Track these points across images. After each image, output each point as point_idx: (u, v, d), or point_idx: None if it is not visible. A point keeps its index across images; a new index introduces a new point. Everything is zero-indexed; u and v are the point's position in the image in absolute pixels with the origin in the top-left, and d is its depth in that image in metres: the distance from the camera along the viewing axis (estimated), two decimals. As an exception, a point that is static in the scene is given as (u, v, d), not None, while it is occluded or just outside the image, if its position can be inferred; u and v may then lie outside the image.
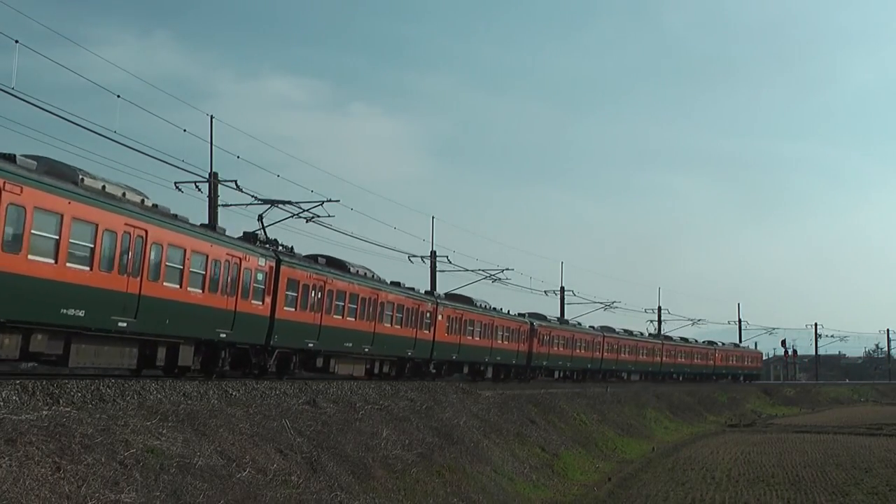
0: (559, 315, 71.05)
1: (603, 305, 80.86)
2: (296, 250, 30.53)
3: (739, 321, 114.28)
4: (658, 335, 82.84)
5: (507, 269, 59.71)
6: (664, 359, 79.50)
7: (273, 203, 34.14)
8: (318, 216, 36.19)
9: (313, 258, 32.11)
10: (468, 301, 46.76)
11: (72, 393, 16.26)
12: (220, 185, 34.04)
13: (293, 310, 28.27)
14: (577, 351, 61.22)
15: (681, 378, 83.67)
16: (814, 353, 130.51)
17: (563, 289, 76.08)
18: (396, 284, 37.56)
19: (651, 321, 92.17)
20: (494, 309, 49.85)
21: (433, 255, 54.26)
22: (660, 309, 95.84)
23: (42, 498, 11.47)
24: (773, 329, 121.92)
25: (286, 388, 23.56)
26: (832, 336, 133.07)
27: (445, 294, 44.70)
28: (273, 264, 27.23)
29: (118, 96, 26.08)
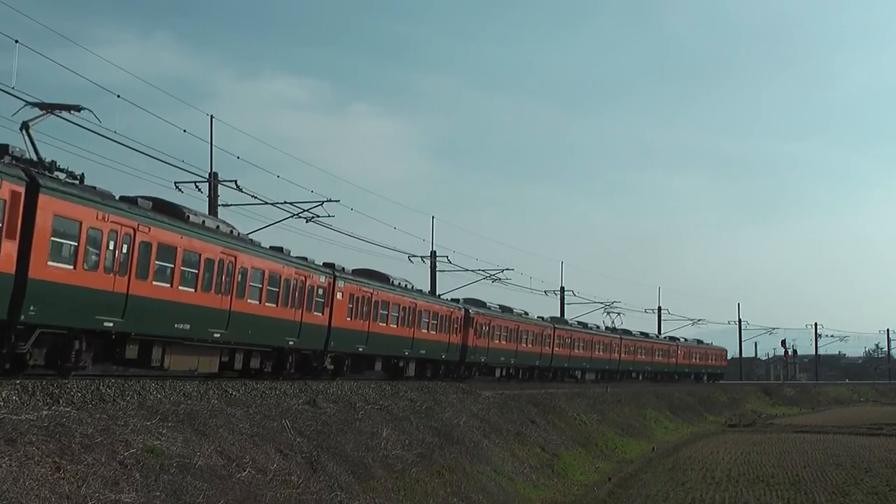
0: (562, 315, 70.93)
1: (603, 305, 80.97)
2: (295, 251, 30.46)
3: (739, 321, 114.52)
4: (615, 329, 72.98)
5: (507, 269, 59.71)
6: (623, 355, 71.07)
7: (273, 204, 34.21)
8: (318, 216, 36.25)
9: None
10: (383, 279, 37.75)
11: (72, 393, 16.26)
12: (220, 185, 34.08)
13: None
14: (524, 345, 52.26)
15: (640, 377, 76.61)
16: (814, 353, 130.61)
17: (563, 289, 76.19)
18: (278, 250, 28.96)
19: (608, 312, 79.79)
20: (419, 291, 42.38)
21: (433, 255, 54.30)
22: (660, 309, 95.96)
23: (42, 498, 11.47)
24: (773, 329, 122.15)
25: (286, 388, 23.57)
26: (832, 336, 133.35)
27: (353, 270, 34.94)
28: (331, 280, 31.59)
29: (118, 96, 26.09)
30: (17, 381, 15.99)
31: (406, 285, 39.08)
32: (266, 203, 35.10)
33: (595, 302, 79.17)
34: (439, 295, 47.06)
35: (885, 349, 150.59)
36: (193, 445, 15.66)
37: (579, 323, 66.61)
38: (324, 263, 31.90)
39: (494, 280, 58.85)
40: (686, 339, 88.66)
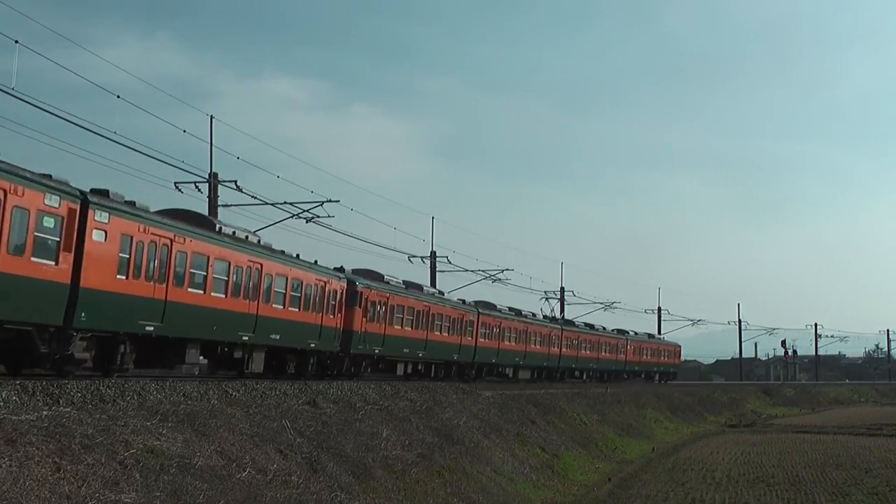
0: (562, 316, 70.43)
1: (603, 306, 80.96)
2: (294, 251, 30.41)
3: (739, 321, 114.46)
4: (555, 318, 61.86)
5: (507, 270, 59.59)
6: (564, 349, 59.06)
7: (273, 204, 34.22)
8: (318, 216, 36.27)
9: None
10: (377, 277, 36.50)
11: (72, 393, 16.26)
12: (220, 186, 34.08)
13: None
14: (436, 333, 40.67)
15: (584, 377, 65.54)
16: (814, 353, 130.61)
17: (562, 289, 76.20)
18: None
19: (547, 298, 68.61)
20: (434, 293, 42.49)
21: (433, 255, 54.34)
22: (660, 309, 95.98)
23: (42, 498, 11.47)
24: (774, 329, 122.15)
25: (286, 389, 23.56)
26: (832, 336, 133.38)
27: (353, 271, 34.32)
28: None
29: (118, 96, 26.10)
30: (17, 382, 16.00)
31: (240, 234, 34.60)
32: (266, 203, 35.15)
33: (595, 302, 79.24)
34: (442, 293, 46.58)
35: (885, 349, 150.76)
36: (193, 446, 15.66)
37: (511, 309, 53.50)
38: (339, 268, 33.72)
39: (494, 280, 58.90)
40: (636, 333, 77.73)
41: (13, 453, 12.04)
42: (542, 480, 29.40)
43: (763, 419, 67.38)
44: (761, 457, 37.89)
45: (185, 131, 30.18)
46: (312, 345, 30.41)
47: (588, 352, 63.93)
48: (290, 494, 16.18)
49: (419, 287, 42.02)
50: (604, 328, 69.73)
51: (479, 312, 46.26)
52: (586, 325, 66.99)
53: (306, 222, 36.51)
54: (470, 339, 44.94)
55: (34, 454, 12.33)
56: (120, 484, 12.90)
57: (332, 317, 31.30)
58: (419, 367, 40.75)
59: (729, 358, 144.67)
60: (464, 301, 46.48)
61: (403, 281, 39.84)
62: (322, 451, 19.36)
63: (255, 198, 34.39)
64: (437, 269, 54.60)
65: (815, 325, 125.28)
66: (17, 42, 21.96)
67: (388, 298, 35.98)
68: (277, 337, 27.92)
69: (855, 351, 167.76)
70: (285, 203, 35.62)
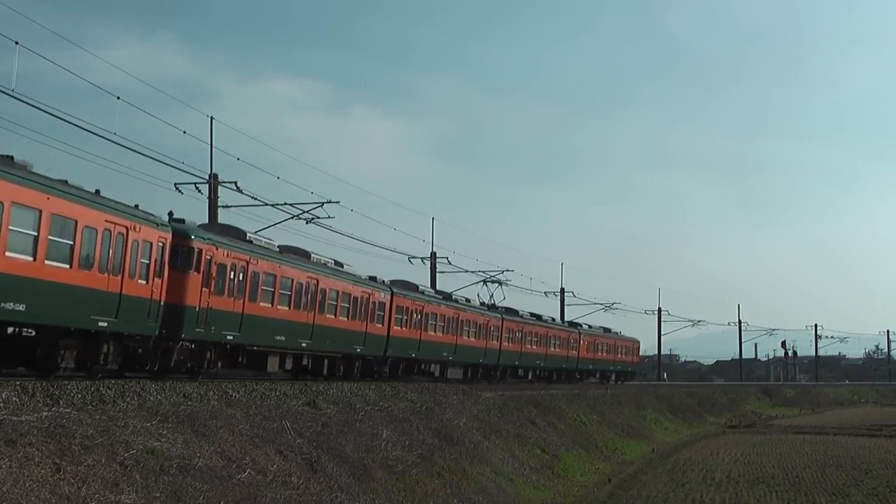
0: (562, 318, 70.07)
1: (603, 307, 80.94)
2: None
3: (739, 322, 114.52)
4: (494, 306, 51.92)
5: (507, 271, 59.40)
6: (505, 343, 49.63)
7: (273, 205, 34.21)
8: (318, 217, 36.24)
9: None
10: (412, 287, 37.07)
11: (72, 394, 16.26)
12: (220, 187, 34.08)
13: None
14: (330, 317, 31.43)
15: (530, 376, 55.41)
16: (814, 354, 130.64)
17: (563, 290, 76.17)
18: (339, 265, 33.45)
19: (484, 282, 56.66)
20: (464, 300, 43.22)
21: (433, 256, 54.35)
22: (660, 310, 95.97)
23: (42, 499, 11.47)
24: (774, 330, 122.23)
25: (286, 389, 23.57)
26: (832, 337, 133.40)
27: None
28: (389, 296, 35.97)
29: (118, 97, 26.10)
30: (17, 382, 16.00)
31: (318, 258, 31.53)
32: (266, 204, 35.12)
33: (595, 303, 79.21)
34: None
35: (886, 350, 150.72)
36: (193, 446, 15.66)
37: (438, 292, 44.92)
38: (378, 279, 36.40)
39: (494, 281, 58.84)
40: (590, 326, 68.00)
41: (13, 454, 12.04)
42: (541, 481, 29.40)
43: (763, 420, 67.35)
44: (761, 457, 37.89)
45: (185, 132, 30.20)
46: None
47: (534, 346, 53.94)
48: (290, 495, 16.18)
49: (305, 254, 31.20)
50: (553, 319, 60.99)
51: (393, 293, 37.10)
52: (532, 315, 55.55)
53: (306, 223, 36.50)
54: (381, 326, 35.63)
55: (34, 455, 12.33)
56: (120, 485, 12.90)
57: (146, 284, 21.34)
58: (304, 362, 30.67)
59: (729, 359, 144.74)
60: (374, 278, 36.79)
61: (278, 246, 29.46)
62: (322, 451, 19.36)
63: (256, 199, 34.39)
64: (437, 270, 54.63)
65: (815, 325, 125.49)
66: (17, 43, 21.96)
67: (248, 264, 26.08)
68: None
69: (855, 352, 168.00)
70: (285, 204, 35.61)
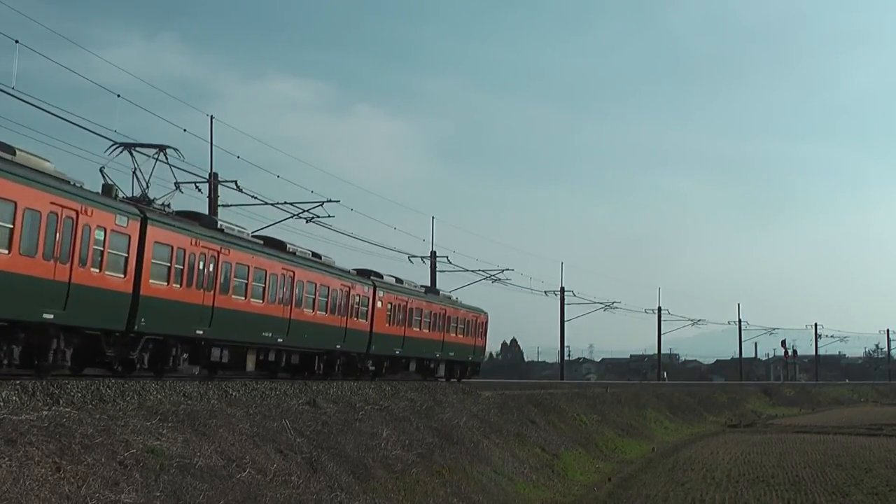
0: (562, 319, 69.42)
1: (603, 306, 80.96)
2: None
3: (739, 321, 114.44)
4: (286, 249, 28.56)
5: (508, 270, 59.30)
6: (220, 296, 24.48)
7: (273, 204, 34.14)
8: (318, 216, 36.18)
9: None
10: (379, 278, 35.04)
11: (72, 393, 16.24)
12: (220, 186, 34.04)
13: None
14: (308, 311, 28.33)
15: (318, 367, 30.88)
16: (814, 353, 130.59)
17: (563, 289, 76.13)
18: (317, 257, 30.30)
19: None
20: (448, 297, 43.08)
21: (433, 255, 54.30)
22: (660, 309, 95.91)
23: (42, 498, 11.47)
24: (774, 329, 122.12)
25: (286, 389, 23.56)
26: (832, 336, 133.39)
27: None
28: (372, 289, 33.35)
29: (118, 96, 26.05)
30: (17, 382, 15.98)
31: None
32: (266, 203, 35.05)
33: (595, 302, 79.20)
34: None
35: (886, 349, 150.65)
36: (193, 446, 15.66)
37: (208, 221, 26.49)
38: (361, 271, 33.64)
39: (494, 280, 58.84)
40: (398, 280, 37.81)
41: (13, 453, 12.04)
42: (542, 480, 29.40)
43: (763, 419, 67.37)
44: (761, 457, 37.89)
45: (185, 131, 30.14)
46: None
47: (308, 313, 29.09)
48: (290, 494, 16.17)
49: (280, 245, 28.32)
50: (323, 258, 31.28)
51: (375, 286, 33.75)
52: (314, 254, 30.73)
53: (306, 222, 36.38)
54: (364, 321, 32.88)
55: (34, 454, 12.32)
56: (120, 484, 12.90)
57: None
58: (273, 358, 27.54)
59: (729, 358, 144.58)
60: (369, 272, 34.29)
61: (257, 236, 27.98)
62: (322, 451, 19.35)
63: (256, 197, 34.29)
64: (438, 269, 54.59)
65: (815, 325, 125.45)
66: (17, 42, 21.91)
67: (217, 253, 23.67)
68: None
69: (855, 351, 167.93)
70: (285, 203, 35.52)
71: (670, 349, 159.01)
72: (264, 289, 26.23)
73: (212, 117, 33.39)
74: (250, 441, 17.59)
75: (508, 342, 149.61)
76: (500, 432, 31.41)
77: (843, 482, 30.06)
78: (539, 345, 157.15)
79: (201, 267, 22.93)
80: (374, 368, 35.02)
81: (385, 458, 21.29)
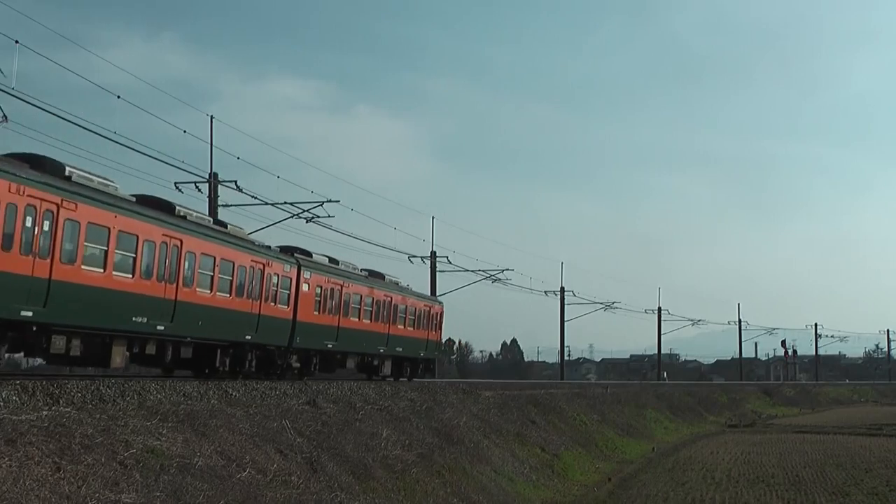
0: (562, 319, 69.73)
1: (603, 306, 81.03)
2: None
3: (739, 321, 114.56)
4: (175, 212, 22.81)
5: (507, 270, 59.32)
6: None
7: (273, 204, 34.16)
8: (318, 216, 36.22)
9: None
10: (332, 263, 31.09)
11: (72, 393, 16.25)
12: (220, 186, 34.10)
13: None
14: (204, 292, 23.56)
15: (222, 364, 25.62)
16: (814, 353, 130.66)
17: (563, 289, 76.18)
18: (223, 225, 25.18)
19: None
20: (396, 283, 36.51)
21: (433, 255, 54.37)
22: (660, 309, 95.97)
23: (42, 498, 11.46)
24: (774, 329, 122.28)
25: (286, 389, 23.57)
26: (832, 336, 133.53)
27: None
28: (296, 269, 28.40)
29: (118, 97, 26.08)
30: (17, 382, 15.99)
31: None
32: (266, 203, 35.11)
33: (595, 302, 79.27)
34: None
35: (885, 349, 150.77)
36: (193, 446, 15.66)
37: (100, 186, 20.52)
38: (284, 248, 28.08)
39: (494, 280, 58.90)
40: (334, 262, 32.37)
41: (13, 453, 12.04)
42: (542, 480, 29.40)
43: (763, 419, 67.38)
44: (761, 457, 37.90)
45: (185, 131, 30.18)
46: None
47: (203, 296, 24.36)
48: (290, 494, 16.17)
49: (168, 207, 22.94)
50: (230, 227, 26.46)
51: (300, 265, 28.93)
52: (217, 222, 27.06)
53: (306, 222, 36.48)
54: (285, 308, 28.21)
55: (34, 454, 12.32)
56: (120, 484, 12.89)
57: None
58: (151, 350, 22.37)
59: (729, 358, 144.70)
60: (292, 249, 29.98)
61: (136, 195, 21.73)
62: (322, 451, 19.35)
63: (255, 198, 34.37)
64: (438, 269, 54.63)
65: (815, 325, 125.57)
66: (17, 42, 21.93)
67: (57, 207, 17.83)
68: None
69: (855, 351, 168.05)
70: (285, 203, 35.58)
71: (670, 349, 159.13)
72: (135, 259, 20.23)
73: (212, 117, 33.44)
74: (250, 441, 17.59)
75: (508, 342, 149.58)
76: (500, 432, 31.41)
77: (843, 482, 30.07)
78: (539, 345, 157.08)
79: (28, 225, 16.94)
80: (298, 366, 29.61)
81: (385, 458, 21.29)
